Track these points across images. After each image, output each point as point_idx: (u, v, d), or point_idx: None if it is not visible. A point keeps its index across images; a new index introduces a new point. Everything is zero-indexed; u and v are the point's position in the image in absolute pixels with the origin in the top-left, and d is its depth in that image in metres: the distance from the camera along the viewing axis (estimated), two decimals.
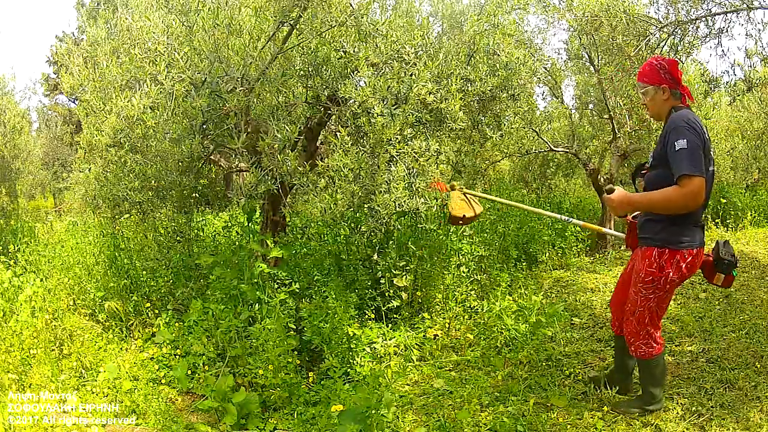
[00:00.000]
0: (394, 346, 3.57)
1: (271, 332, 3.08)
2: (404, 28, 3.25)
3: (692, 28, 4.82)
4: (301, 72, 3.32)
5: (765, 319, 3.73)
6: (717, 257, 2.59)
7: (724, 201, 7.05)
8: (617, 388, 2.92)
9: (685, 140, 2.26)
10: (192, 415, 3.00)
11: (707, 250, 2.64)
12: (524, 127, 5.98)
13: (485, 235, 5.16)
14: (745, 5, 4.40)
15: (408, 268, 3.97)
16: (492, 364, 3.39)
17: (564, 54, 6.79)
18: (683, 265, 2.43)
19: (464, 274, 4.36)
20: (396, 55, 3.10)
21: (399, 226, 4.12)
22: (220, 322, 3.27)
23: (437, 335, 3.83)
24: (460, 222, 3.12)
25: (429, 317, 3.98)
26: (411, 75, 3.00)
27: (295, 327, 3.30)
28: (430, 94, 2.98)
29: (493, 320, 3.71)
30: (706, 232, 2.70)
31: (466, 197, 3.24)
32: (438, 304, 4.08)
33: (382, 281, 3.92)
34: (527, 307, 3.63)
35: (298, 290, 3.47)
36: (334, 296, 3.50)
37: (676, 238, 2.42)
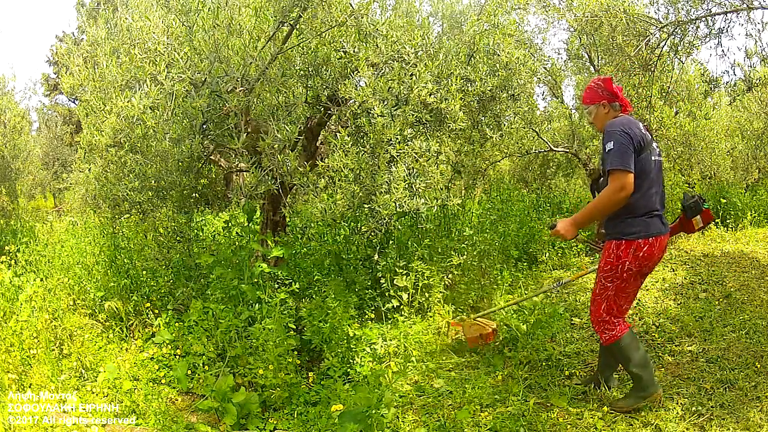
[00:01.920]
0: (395, 346, 3.57)
1: (271, 332, 3.08)
2: (404, 28, 3.25)
3: (692, 28, 4.82)
4: (301, 72, 3.32)
5: (765, 319, 3.73)
6: (684, 208, 2.86)
7: (724, 201, 7.05)
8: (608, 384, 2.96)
9: (612, 142, 2.51)
10: (192, 415, 3.00)
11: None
12: (524, 127, 5.98)
13: (485, 235, 5.16)
14: (745, 5, 4.40)
15: (408, 268, 3.97)
16: (492, 364, 3.39)
17: (564, 54, 6.80)
18: (640, 254, 2.59)
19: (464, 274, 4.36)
20: (396, 56, 3.10)
21: (399, 227, 4.12)
22: (220, 322, 3.27)
23: (437, 335, 3.83)
24: (480, 342, 3.34)
25: (429, 317, 3.98)
26: (411, 75, 3.00)
27: (295, 327, 3.30)
28: (430, 94, 2.98)
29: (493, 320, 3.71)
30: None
31: (477, 321, 3.54)
32: (438, 304, 4.08)
33: (382, 281, 3.92)
34: (527, 307, 3.63)
35: (298, 290, 3.47)
36: (333, 296, 3.50)
37: (630, 229, 2.60)
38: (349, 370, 3.27)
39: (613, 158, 2.49)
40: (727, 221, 6.94)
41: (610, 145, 2.51)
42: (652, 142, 2.64)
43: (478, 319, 3.56)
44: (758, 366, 3.09)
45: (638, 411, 2.73)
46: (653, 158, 2.62)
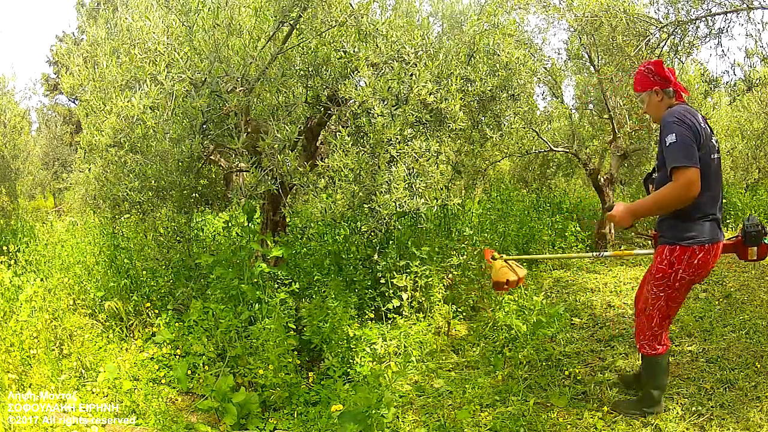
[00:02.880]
0: (395, 346, 3.58)
1: (271, 332, 3.08)
2: (404, 28, 3.24)
3: (692, 28, 4.82)
4: (301, 72, 3.32)
5: (765, 319, 3.73)
6: (744, 233, 2.59)
7: (724, 201, 7.04)
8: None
9: (673, 134, 2.27)
10: (192, 415, 3.00)
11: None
12: (524, 127, 5.98)
13: (485, 235, 5.16)
14: (745, 5, 4.40)
15: (408, 268, 3.97)
16: (492, 364, 3.39)
17: (564, 54, 6.79)
18: (695, 261, 2.39)
19: (464, 274, 4.36)
20: (396, 55, 3.10)
21: (399, 227, 4.12)
22: (220, 322, 3.27)
23: (437, 335, 3.83)
24: (505, 287, 3.17)
25: (429, 317, 3.98)
26: (411, 75, 3.00)
27: (295, 327, 3.30)
28: (430, 94, 2.98)
29: (493, 320, 3.70)
30: None
31: (508, 263, 3.29)
32: (438, 304, 4.08)
33: (382, 281, 3.93)
34: (527, 307, 3.63)
35: (298, 290, 3.47)
36: (333, 296, 3.50)
37: (685, 234, 2.39)
38: (349, 370, 3.27)
39: (676, 154, 2.24)
40: (728, 221, 6.94)
41: (671, 138, 2.27)
42: (711, 137, 2.40)
43: (510, 261, 3.39)
44: (758, 366, 3.09)
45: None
46: (713, 156, 2.38)
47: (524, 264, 3.53)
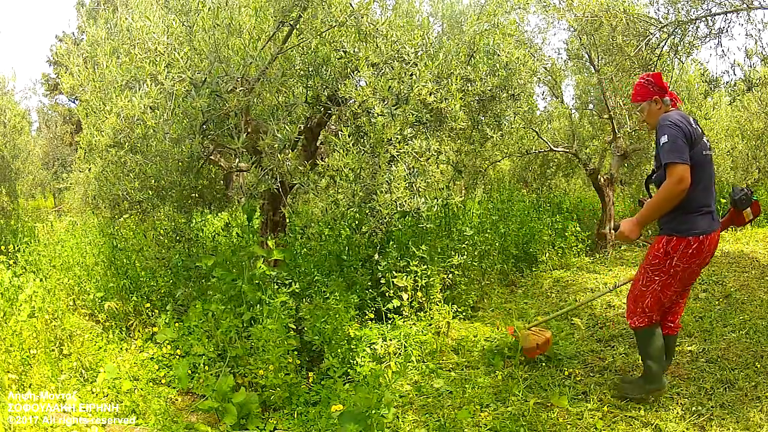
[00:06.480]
0: (395, 346, 3.57)
1: (272, 332, 3.08)
2: (404, 28, 3.24)
3: (692, 28, 4.82)
4: (301, 72, 3.32)
5: (765, 319, 3.73)
6: (734, 201, 2.83)
7: (724, 201, 7.05)
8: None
9: (665, 135, 2.51)
10: (192, 415, 3.00)
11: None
12: (524, 127, 5.98)
13: (486, 235, 5.16)
14: (745, 5, 4.40)
15: (408, 268, 3.96)
16: (492, 364, 3.39)
17: (564, 54, 6.79)
18: (689, 251, 2.57)
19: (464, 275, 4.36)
20: (396, 55, 3.10)
21: (400, 226, 4.11)
22: (221, 323, 3.27)
23: (437, 335, 3.83)
24: (537, 351, 3.35)
25: (429, 317, 3.97)
26: (411, 75, 3.00)
27: (295, 327, 3.30)
28: (430, 94, 2.98)
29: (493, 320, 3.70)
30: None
31: (531, 330, 3.49)
32: (438, 304, 4.08)
33: (383, 281, 3.92)
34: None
35: (298, 290, 3.47)
36: (334, 297, 3.50)
37: (682, 226, 2.58)
38: (349, 370, 3.27)
39: (668, 152, 2.46)
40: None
41: (663, 139, 2.50)
42: (702, 136, 2.62)
43: (533, 328, 3.57)
44: (758, 366, 3.09)
45: (637, 405, 2.74)
46: (704, 152, 2.59)
47: (544, 325, 3.74)
